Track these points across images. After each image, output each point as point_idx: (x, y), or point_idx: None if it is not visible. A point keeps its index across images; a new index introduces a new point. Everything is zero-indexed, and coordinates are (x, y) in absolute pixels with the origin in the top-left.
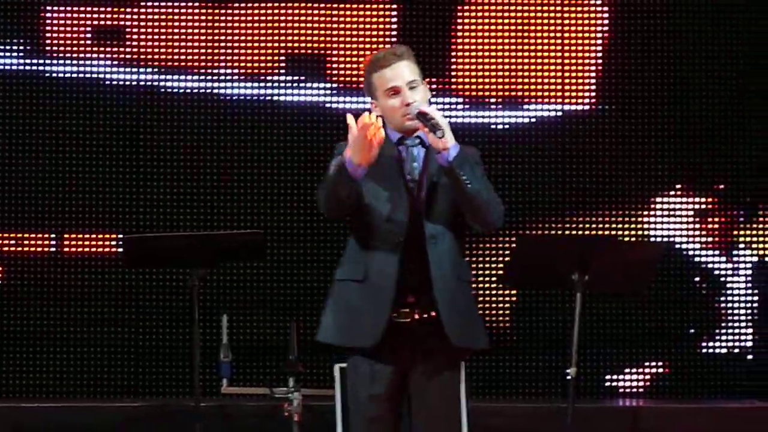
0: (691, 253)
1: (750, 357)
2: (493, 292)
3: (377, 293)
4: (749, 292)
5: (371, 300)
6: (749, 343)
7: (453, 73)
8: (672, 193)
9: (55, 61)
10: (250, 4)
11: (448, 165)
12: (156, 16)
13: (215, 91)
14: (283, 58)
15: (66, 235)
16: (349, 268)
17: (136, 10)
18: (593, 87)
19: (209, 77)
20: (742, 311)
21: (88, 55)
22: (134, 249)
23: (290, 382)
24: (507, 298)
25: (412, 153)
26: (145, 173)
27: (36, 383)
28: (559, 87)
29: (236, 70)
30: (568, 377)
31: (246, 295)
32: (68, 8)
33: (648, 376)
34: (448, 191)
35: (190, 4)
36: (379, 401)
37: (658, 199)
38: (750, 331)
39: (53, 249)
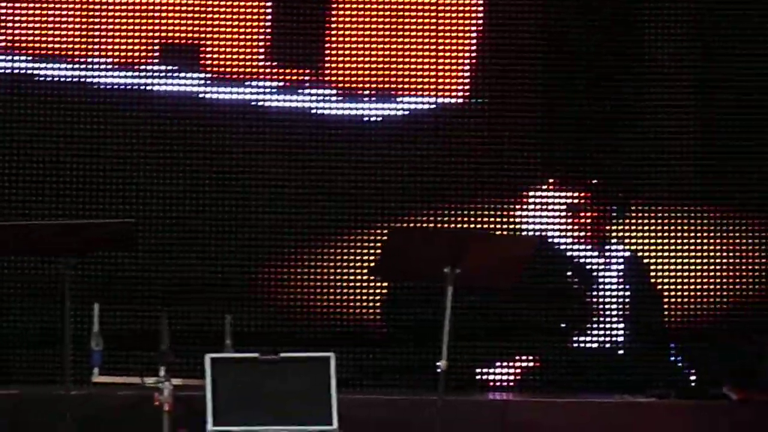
0: (563, 247)
1: (621, 352)
2: (365, 284)
3: None
4: (620, 286)
5: None
6: (620, 338)
7: (327, 65)
8: (545, 186)
9: None
10: None
11: None
12: (30, 3)
13: (89, 79)
14: (157, 47)
15: None
16: None
17: None
18: (467, 80)
19: (82, 65)
20: (614, 306)
21: None
22: (2, 237)
23: (161, 371)
24: (378, 290)
25: None
26: (18, 162)
27: None
28: (432, 80)
29: (110, 59)
30: (439, 370)
31: (118, 284)
32: None
33: (519, 370)
34: None
35: None
36: None
37: (531, 193)
38: (621, 325)
39: None
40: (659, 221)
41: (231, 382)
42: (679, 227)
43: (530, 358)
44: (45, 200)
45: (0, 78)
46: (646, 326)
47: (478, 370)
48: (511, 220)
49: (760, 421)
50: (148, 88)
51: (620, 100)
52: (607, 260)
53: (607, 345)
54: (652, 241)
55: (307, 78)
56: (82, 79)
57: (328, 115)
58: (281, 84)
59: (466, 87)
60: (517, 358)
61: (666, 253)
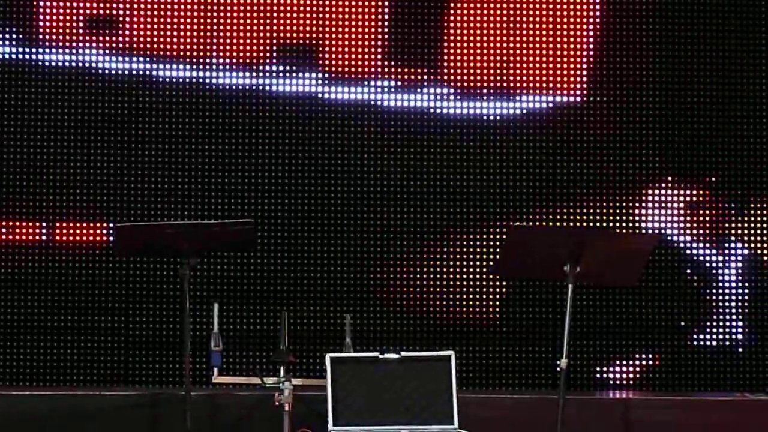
0: (682, 245)
1: (740, 350)
2: (484, 282)
3: None
4: (740, 284)
5: None
6: (740, 336)
7: (444, 64)
8: (663, 185)
9: (47, 50)
10: None
11: None
12: (149, 5)
13: (207, 80)
14: (274, 47)
15: (57, 224)
16: None
17: None
18: (584, 78)
19: (201, 66)
20: (733, 304)
21: (81, 44)
22: (125, 238)
23: (281, 371)
24: (498, 289)
25: None
26: (137, 162)
27: (26, 371)
28: (550, 78)
29: (228, 60)
30: (559, 368)
31: (237, 285)
32: None
33: (639, 368)
34: None
35: None
36: None
37: (650, 191)
38: (740, 323)
39: (44, 237)
40: None
41: (351, 382)
42: None
43: (650, 356)
44: (163, 201)
45: (119, 79)
46: (765, 324)
47: (599, 369)
48: (630, 218)
49: None
50: (266, 88)
51: (737, 96)
52: (726, 258)
53: (727, 343)
54: None
55: (425, 77)
56: (200, 80)
57: (447, 114)
58: (399, 83)
59: (584, 85)
60: (637, 356)
61: None
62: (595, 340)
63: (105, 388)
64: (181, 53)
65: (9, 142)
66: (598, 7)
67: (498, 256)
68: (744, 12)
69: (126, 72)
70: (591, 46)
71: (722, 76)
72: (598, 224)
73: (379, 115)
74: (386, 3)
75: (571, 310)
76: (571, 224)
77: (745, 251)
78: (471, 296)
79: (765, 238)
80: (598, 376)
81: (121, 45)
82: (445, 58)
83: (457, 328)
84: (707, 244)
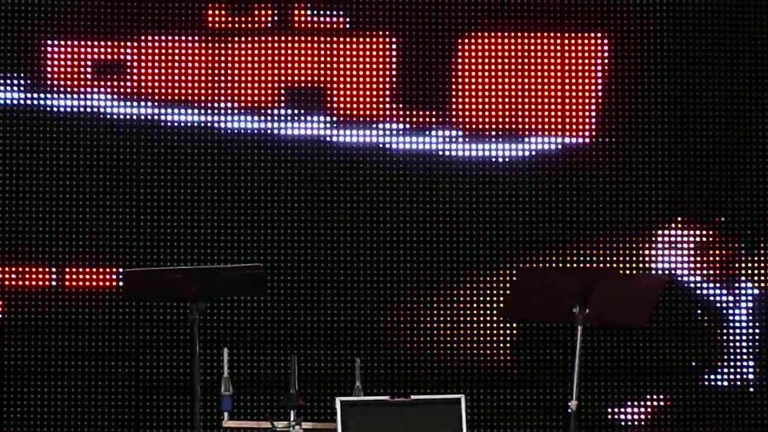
0: (692, 285)
1: (752, 389)
2: (494, 325)
3: None
4: (751, 324)
5: None
6: (751, 376)
7: (453, 106)
8: (673, 225)
9: (55, 95)
10: (250, 38)
11: None
12: (156, 50)
13: (215, 124)
14: (282, 91)
15: (67, 269)
16: None
17: (136, 44)
18: (593, 119)
19: (209, 111)
20: (744, 343)
21: (89, 89)
22: (135, 282)
23: (291, 415)
24: (507, 331)
25: None
26: (146, 207)
27: (36, 417)
28: (558, 119)
29: (236, 104)
30: (570, 410)
31: (246, 329)
32: (69, 42)
33: (650, 409)
34: None
35: (190, 38)
36: None
37: (659, 232)
38: (752, 363)
39: (54, 282)
40: None
41: (362, 426)
42: None
43: (661, 397)
44: (172, 246)
45: (127, 124)
46: None
47: (609, 410)
48: (640, 259)
49: None
50: (275, 131)
51: (747, 136)
52: (737, 298)
53: (738, 383)
54: None
55: (433, 119)
56: (209, 124)
57: (456, 157)
58: (408, 126)
59: (593, 126)
60: (648, 397)
61: None
62: (605, 382)
63: None
64: (190, 98)
65: (18, 188)
66: (606, 48)
67: (507, 299)
68: (753, 52)
69: (134, 117)
70: (600, 87)
71: (731, 116)
72: (607, 266)
73: (388, 158)
74: (394, 46)
75: (581, 351)
76: (581, 266)
77: (756, 291)
78: (481, 339)
79: None
80: (609, 417)
81: (129, 90)
82: (454, 100)
83: (467, 371)
84: (718, 285)
